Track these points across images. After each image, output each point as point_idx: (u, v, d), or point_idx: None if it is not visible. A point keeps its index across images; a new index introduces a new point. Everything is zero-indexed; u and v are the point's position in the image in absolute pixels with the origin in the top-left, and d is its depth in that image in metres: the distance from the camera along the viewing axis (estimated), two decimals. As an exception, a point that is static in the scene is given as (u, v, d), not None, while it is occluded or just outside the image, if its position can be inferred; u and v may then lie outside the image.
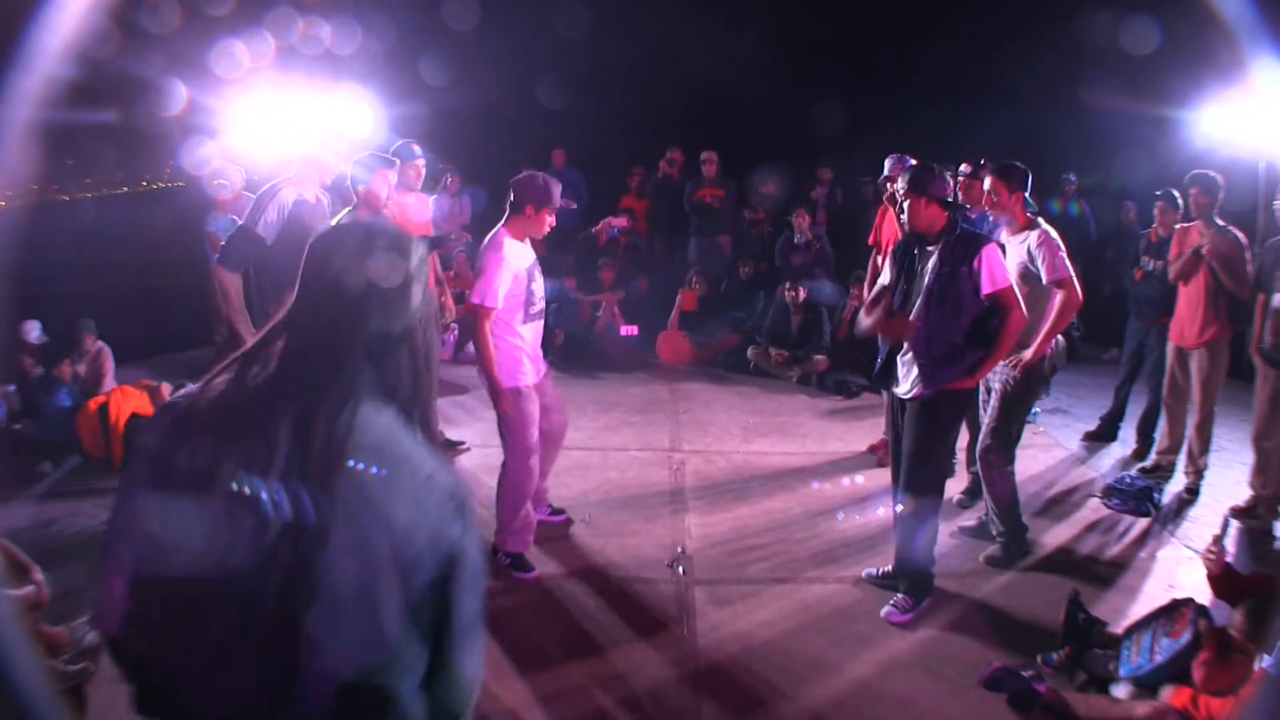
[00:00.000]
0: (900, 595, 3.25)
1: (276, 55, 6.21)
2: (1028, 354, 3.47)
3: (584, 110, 8.88)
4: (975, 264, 3.06)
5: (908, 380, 3.22)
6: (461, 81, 8.04)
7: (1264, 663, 2.33)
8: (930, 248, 3.17)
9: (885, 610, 3.22)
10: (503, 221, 3.40)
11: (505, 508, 3.48)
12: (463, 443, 4.98)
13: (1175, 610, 2.72)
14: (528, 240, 3.44)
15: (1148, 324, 4.95)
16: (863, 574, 3.52)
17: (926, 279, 3.16)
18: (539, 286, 3.48)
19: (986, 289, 3.07)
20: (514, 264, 3.33)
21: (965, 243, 3.11)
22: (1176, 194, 4.78)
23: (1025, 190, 3.63)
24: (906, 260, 3.25)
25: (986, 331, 3.13)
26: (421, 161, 4.48)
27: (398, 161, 3.90)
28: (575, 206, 3.74)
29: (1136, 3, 7.09)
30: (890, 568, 3.42)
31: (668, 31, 9.02)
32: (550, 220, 3.41)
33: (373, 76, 6.22)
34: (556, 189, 3.40)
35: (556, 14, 8.43)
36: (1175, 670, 2.54)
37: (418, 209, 4.54)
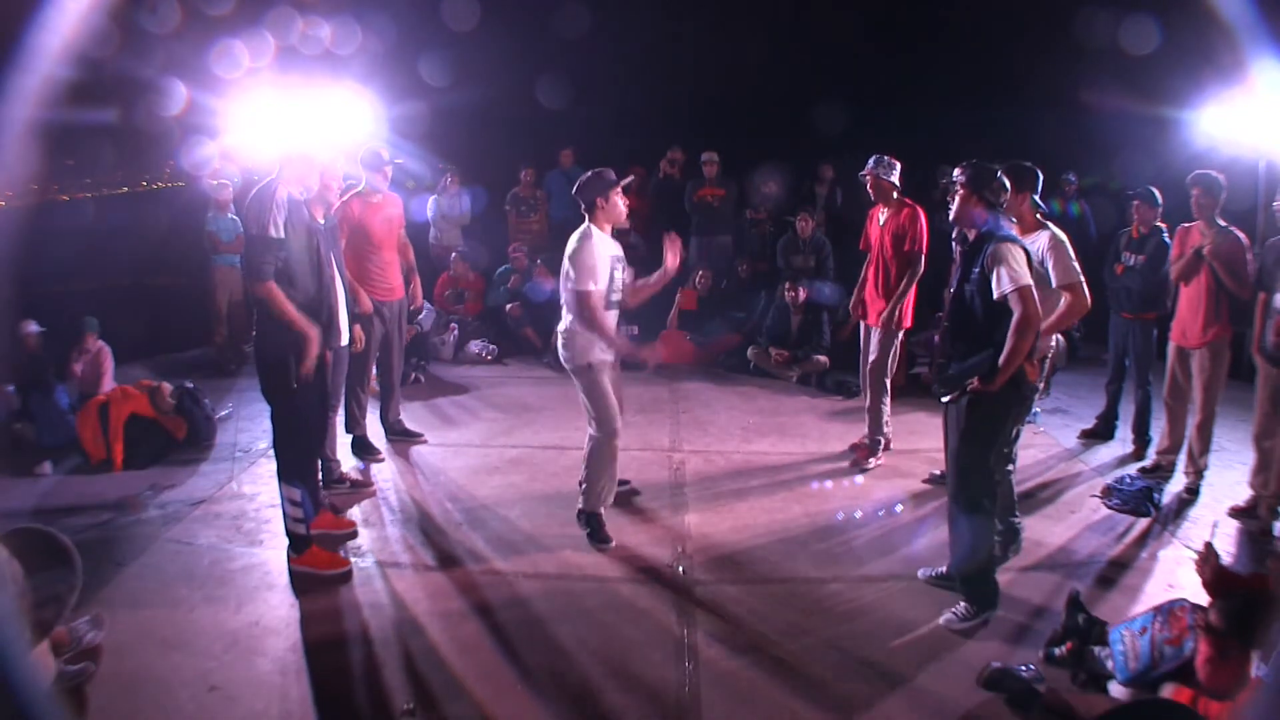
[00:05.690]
0: (962, 604, 3.18)
1: (276, 55, 6.22)
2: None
3: (584, 110, 8.88)
4: (987, 262, 2.97)
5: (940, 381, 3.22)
6: (461, 81, 8.04)
7: (1259, 670, 2.32)
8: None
9: (945, 617, 3.17)
10: (586, 220, 3.68)
11: (593, 474, 3.78)
12: (420, 434, 5.16)
13: (1170, 612, 2.68)
14: (610, 231, 3.73)
15: (1129, 319, 4.98)
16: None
17: (956, 276, 3.16)
18: (620, 277, 3.73)
19: (997, 290, 2.93)
20: (603, 253, 3.62)
21: (983, 240, 3.04)
22: (1155, 190, 4.86)
23: (1035, 191, 3.62)
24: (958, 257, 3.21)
25: (1003, 334, 2.96)
26: (389, 168, 4.73)
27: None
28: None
29: (1136, 3, 7.10)
30: (945, 568, 3.41)
31: (668, 31, 9.04)
32: (623, 201, 3.73)
33: (373, 76, 6.22)
34: (610, 173, 3.75)
35: (556, 14, 8.44)
36: (1178, 671, 2.53)
37: (389, 204, 4.75)
